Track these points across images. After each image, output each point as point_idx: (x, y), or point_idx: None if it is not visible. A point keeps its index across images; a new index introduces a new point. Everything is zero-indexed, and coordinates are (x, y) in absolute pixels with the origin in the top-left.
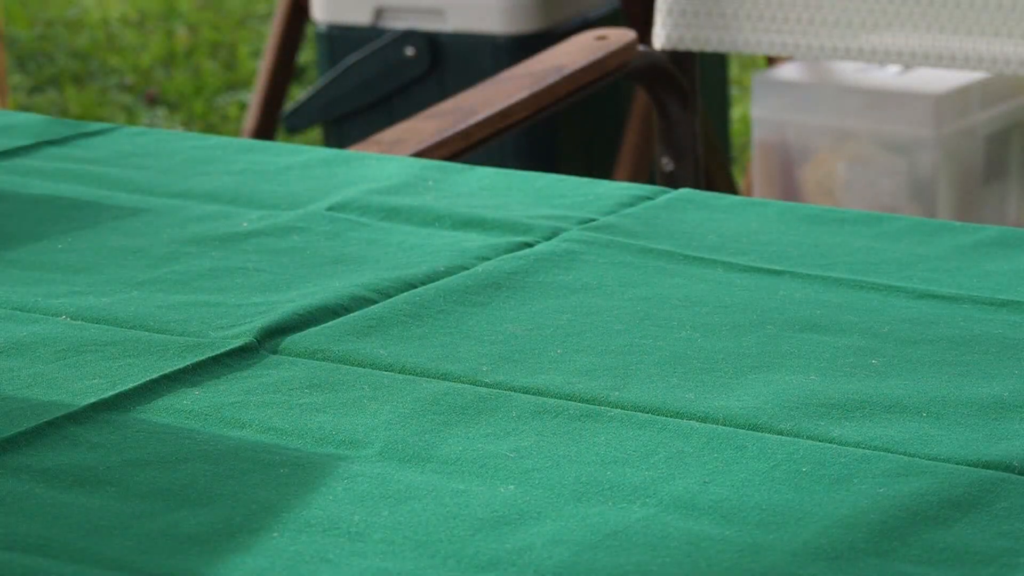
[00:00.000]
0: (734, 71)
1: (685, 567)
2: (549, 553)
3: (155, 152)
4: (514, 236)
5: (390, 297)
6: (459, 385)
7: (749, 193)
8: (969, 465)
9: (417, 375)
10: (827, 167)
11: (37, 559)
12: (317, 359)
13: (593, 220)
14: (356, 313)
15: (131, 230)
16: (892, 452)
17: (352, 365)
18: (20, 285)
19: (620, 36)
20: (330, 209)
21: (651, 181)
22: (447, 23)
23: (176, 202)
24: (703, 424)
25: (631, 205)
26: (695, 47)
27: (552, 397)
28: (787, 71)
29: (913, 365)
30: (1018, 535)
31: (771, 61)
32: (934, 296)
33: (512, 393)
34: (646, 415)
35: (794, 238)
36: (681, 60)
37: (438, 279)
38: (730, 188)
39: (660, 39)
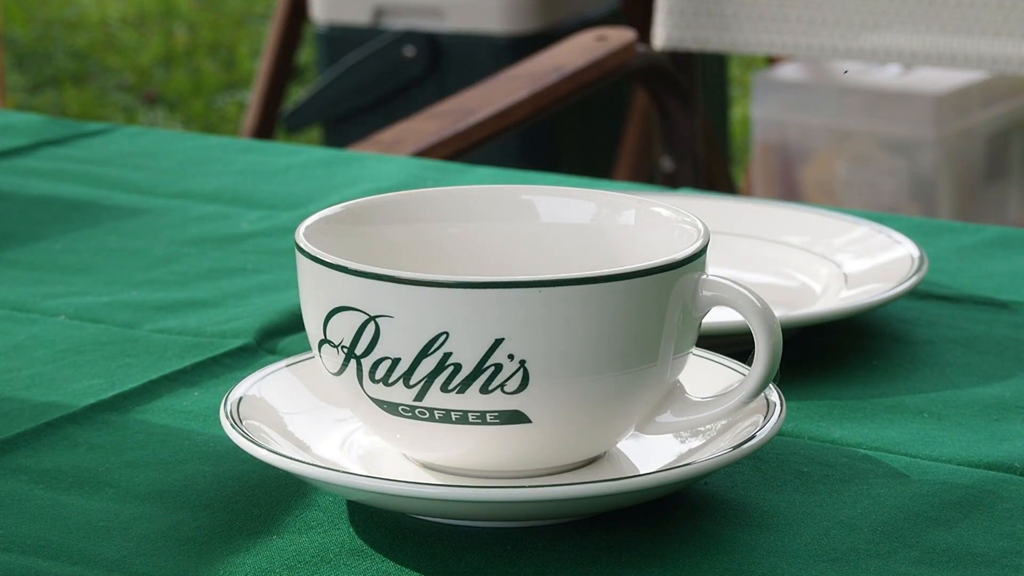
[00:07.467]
0: (734, 71)
1: (684, 568)
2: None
3: (154, 152)
4: None
5: None
6: None
7: (749, 193)
8: (970, 466)
9: None
10: (827, 167)
11: (36, 560)
12: None
13: None
14: None
15: (130, 230)
16: (893, 453)
17: None
18: (18, 285)
19: (620, 36)
20: None
21: (651, 181)
22: (446, 23)
23: (175, 202)
24: None
25: None
26: (695, 47)
27: None
28: (787, 71)
29: (913, 365)
30: (1020, 536)
31: (771, 61)
32: (934, 296)
33: None
34: None
35: None
36: (681, 60)
37: None
38: (730, 188)
39: (660, 39)
